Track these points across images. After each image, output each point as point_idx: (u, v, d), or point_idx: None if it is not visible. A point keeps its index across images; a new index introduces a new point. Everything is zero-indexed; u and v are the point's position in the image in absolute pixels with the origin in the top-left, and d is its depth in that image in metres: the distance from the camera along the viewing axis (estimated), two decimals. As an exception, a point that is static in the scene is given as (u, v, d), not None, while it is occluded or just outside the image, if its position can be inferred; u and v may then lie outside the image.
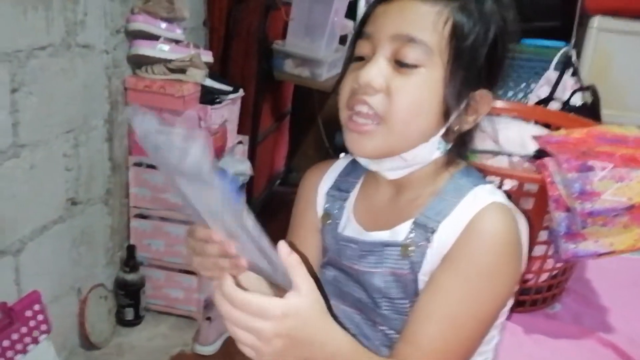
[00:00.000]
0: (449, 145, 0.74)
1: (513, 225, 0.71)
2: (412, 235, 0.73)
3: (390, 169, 0.75)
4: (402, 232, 0.74)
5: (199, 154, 0.49)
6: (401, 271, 0.73)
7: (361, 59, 0.72)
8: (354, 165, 0.84)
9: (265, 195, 2.95)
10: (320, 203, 0.84)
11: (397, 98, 0.68)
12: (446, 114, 0.70)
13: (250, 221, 0.55)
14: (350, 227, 0.80)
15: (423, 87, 0.68)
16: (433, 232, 0.71)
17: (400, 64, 0.68)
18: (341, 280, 0.80)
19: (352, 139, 0.72)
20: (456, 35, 0.68)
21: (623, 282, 1.33)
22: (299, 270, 0.59)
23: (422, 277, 0.72)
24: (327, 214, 0.83)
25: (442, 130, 0.72)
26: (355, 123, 0.70)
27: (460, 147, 0.76)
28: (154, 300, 1.99)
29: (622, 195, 0.98)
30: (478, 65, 0.70)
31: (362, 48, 0.72)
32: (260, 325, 0.56)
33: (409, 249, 0.72)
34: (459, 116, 0.72)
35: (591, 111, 1.50)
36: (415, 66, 0.68)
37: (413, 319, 0.71)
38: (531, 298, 1.17)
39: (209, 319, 1.88)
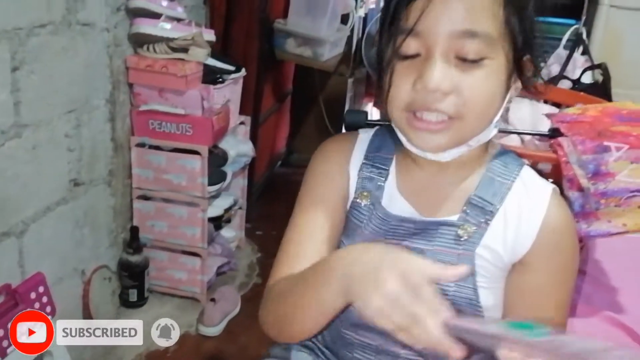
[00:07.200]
0: None
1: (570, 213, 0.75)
2: (467, 216, 0.73)
3: (450, 156, 0.71)
4: (454, 211, 0.73)
5: None
6: (454, 251, 0.72)
7: (409, 57, 0.67)
8: (382, 139, 0.80)
9: (267, 177, 2.94)
10: (353, 180, 0.80)
11: (471, 96, 0.65)
12: (506, 93, 0.69)
13: None
14: (395, 205, 0.77)
15: (491, 78, 0.66)
16: (492, 214, 0.72)
17: (463, 60, 0.65)
18: None
19: (420, 137, 0.69)
20: (514, 8, 0.66)
21: (633, 262, 1.32)
22: None
23: (479, 264, 0.72)
24: (364, 193, 0.79)
25: (502, 110, 0.70)
26: (424, 122, 0.67)
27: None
28: (158, 281, 1.98)
29: (637, 176, 0.97)
30: (529, 29, 0.68)
31: (411, 46, 0.67)
32: None
33: (468, 230, 0.72)
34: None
35: (602, 89, 1.48)
36: (480, 59, 0.65)
37: None
38: (541, 279, 1.16)
39: (213, 300, 1.87)
